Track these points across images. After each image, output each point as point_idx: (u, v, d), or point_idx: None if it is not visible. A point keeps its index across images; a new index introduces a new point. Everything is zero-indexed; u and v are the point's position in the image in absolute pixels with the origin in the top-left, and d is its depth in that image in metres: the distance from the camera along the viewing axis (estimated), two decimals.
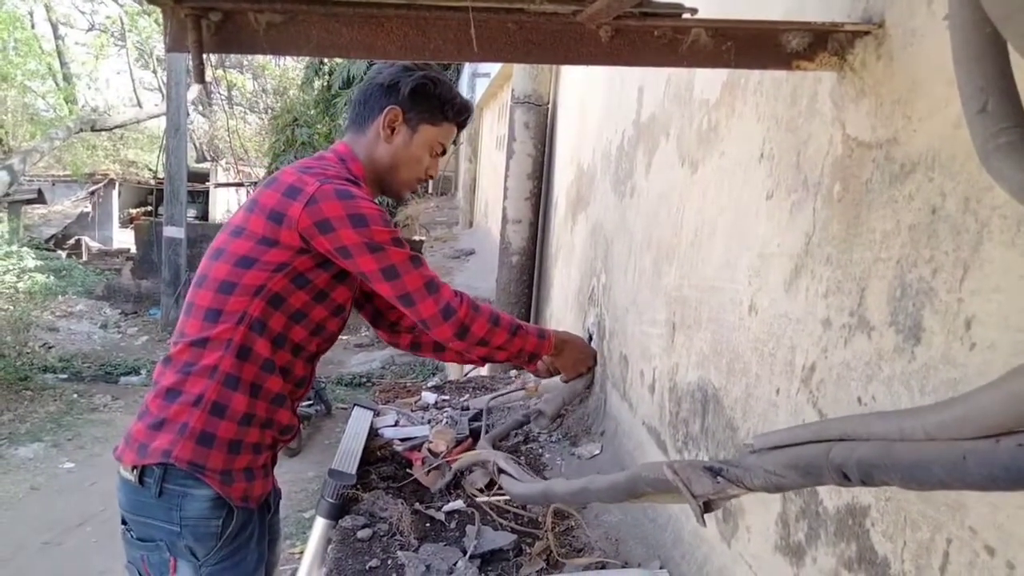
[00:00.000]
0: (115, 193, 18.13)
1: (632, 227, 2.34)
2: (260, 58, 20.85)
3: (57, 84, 20.46)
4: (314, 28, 1.01)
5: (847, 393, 1.03)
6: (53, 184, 17.02)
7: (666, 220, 1.97)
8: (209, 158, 20.95)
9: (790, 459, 0.73)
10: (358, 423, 2.61)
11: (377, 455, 2.38)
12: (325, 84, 14.42)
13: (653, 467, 0.94)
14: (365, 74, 11.95)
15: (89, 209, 17.31)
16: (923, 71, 0.91)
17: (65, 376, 8.61)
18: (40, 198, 15.61)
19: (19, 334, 8.49)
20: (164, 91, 13.54)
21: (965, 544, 0.78)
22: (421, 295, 1.46)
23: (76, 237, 15.68)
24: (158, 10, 0.99)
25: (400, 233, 1.47)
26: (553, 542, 1.84)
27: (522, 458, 2.36)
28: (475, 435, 2.52)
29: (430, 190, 14.89)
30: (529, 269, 4.33)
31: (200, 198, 19.31)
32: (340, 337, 1.65)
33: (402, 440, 2.58)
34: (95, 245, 15.36)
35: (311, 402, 6.83)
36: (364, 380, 8.53)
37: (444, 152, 1.67)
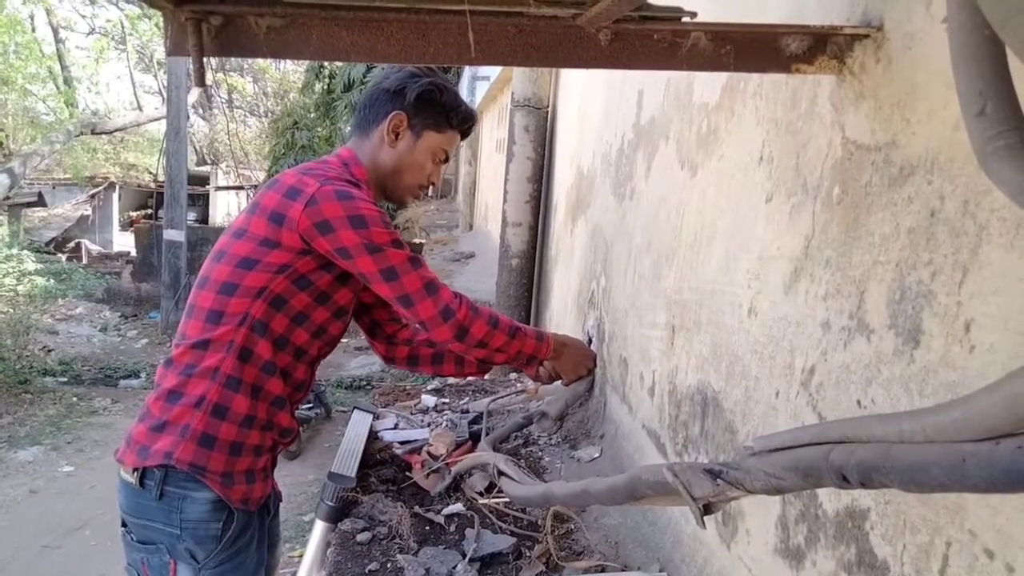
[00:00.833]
0: (115, 196, 18.14)
1: (632, 230, 2.34)
2: (260, 61, 20.87)
3: (58, 88, 20.48)
4: (314, 32, 1.01)
5: (846, 396, 1.03)
6: (53, 187, 17.03)
7: (666, 223, 1.97)
8: (209, 161, 20.95)
9: (790, 461, 0.73)
10: (358, 426, 2.60)
11: (377, 458, 2.38)
12: (326, 87, 14.42)
13: (653, 469, 0.94)
14: (365, 77, 11.96)
15: (89, 212, 17.31)
16: (922, 74, 0.91)
17: (65, 379, 8.60)
18: (40, 201, 15.62)
19: (19, 337, 8.48)
20: (164, 94, 13.56)
21: (964, 547, 0.78)
22: (420, 296, 1.46)
23: (76, 240, 15.68)
24: (159, 14, 1.00)
25: (400, 234, 1.47)
26: (553, 545, 1.84)
27: (522, 461, 2.36)
28: (475, 438, 2.52)
29: (430, 193, 14.89)
30: (529, 272, 4.33)
31: (200, 201, 19.31)
32: (340, 340, 1.64)
33: (402, 443, 2.58)
34: (95, 248, 15.36)
35: (311, 405, 6.82)
36: (364, 383, 8.51)
37: (447, 159, 1.67)
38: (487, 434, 2.53)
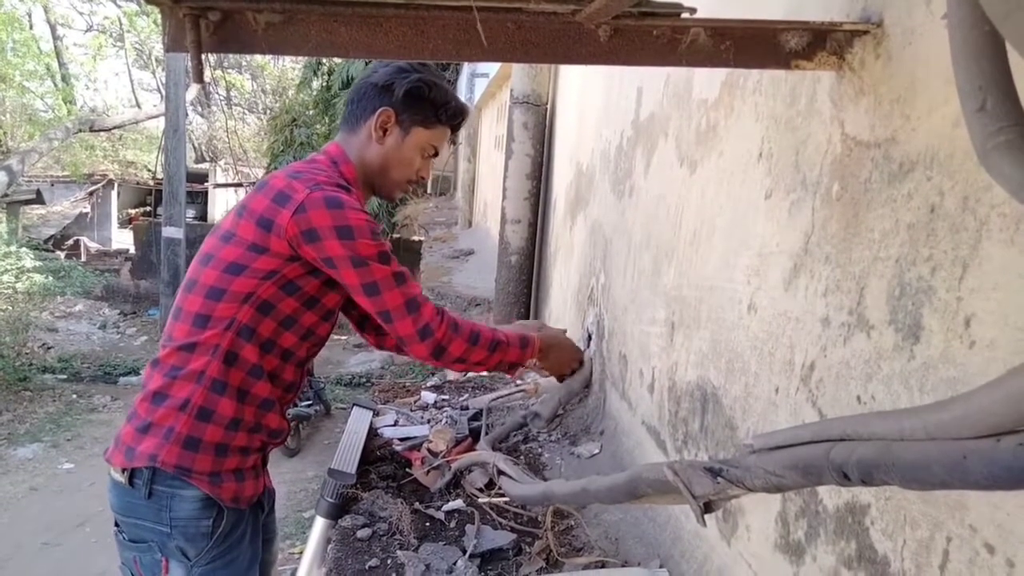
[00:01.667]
0: (114, 194, 18.12)
1: (631, 227, 2.34)
2: (259, 58, 20.83)
3: (56, 85, 20.44)
4: (313, 28, 1.01)
5: (846, 392, 1.03)
6: (52, 185, 17.00)
7: (665, 220, 1.97)
8: (208, 158, 20.92)
9: (790, 459, 0.73)
10: (357, 423, 2.60)
11: (377, 455, 2.38)
12: (324, 84, 14.39)
13: (653, 468, 0.94)
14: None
15: (88, 210, 17.29)
16: (922, 70, 0.91)
17: (64, 376, 8.61)
18: (39, 199, 15.59)
19: (18, 334, 8.48)
20: (163, 91, 13.53)
21: (965, 542, 0.78)
22: (400, 314, 1.45)
23: (75, 237, 15.67)
24: (157, 10, 0.99)
25: (387, 245, 1.45)
26: (553, 541, 1.84)
27: (522, 458, 2.36)
28: (475, 435, 2.52)
29: (429, 190, 14.89)
30: (528, 269, 4.33)
31: (199, 198, 19.28)
32: (339, 337, 1.65)
33: (401, 440, 2.58)
34: (94, 245, 15.35)
35: (310, 402, 6.82)
36: (363, 380, 8.52)
37: (436, 154, 1.66)
38: (487, 432, 2.54)
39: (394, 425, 2.78)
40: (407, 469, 2.28)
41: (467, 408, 2.92)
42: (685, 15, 1.03)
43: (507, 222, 4.30)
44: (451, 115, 1.61)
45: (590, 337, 2.75)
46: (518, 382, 3.16)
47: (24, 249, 9.77)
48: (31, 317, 8.89)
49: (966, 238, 0.81)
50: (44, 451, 6.40)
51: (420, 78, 1.56)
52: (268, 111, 21.16)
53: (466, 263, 8.25)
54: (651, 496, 0.99)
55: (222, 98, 20.79)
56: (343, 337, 9.15)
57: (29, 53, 18.47)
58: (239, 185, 18.86)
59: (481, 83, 10.38)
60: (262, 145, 18.80)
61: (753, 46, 1.06)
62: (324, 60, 13.52)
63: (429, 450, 2.34)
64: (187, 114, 11.68)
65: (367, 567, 1.75)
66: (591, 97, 3.28)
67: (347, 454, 2.26)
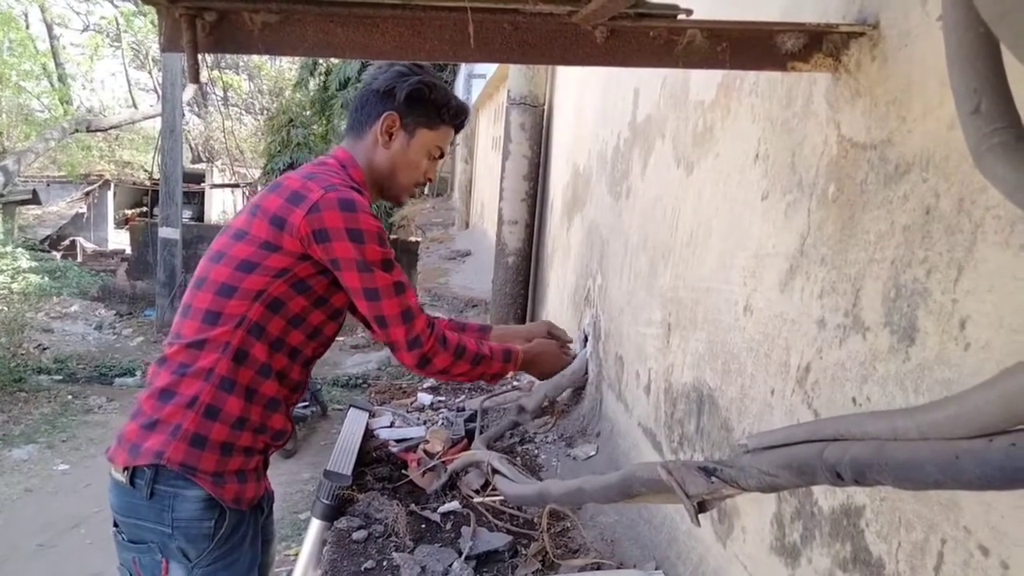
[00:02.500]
0: (110, 194, 18.09)
1: (628, 228, 2.34)
2: (256, 58, 20.82)
3: (52, 85, 20.39)
4: (309, 28, 1.01)
5: (842, 393, 1.03)
6: (48, 185, 16.96)
7: (662, 221, 1.97)
8: (205, 159, 20.89)
9: (784, 459, 0.73)
10: (354, 424, 2.60)
11: (373, 456, 2.38)
12: (321, 85, 14.39)
13: (648, 467, 0.94)
14: (360, 75, 11.93)
15: (84, 210, 17.27)
16: (917, 72, 0.91)
17: (60, 377, 8.58)
18: (35, 199, 15.56)
19: (13, 335, 8.45)
20: (159, 92, 13.51)
21: (959, 544, 0.78)
22: (395, 322, 1.49)
23: (71, 238, 15.64)
24: (153, 10, 0.99)
25: (392, 254, 1.48)
26: (549, 543, 1.84)
27: (518, 459, 2.36)
28: (471, 436, 2.52)
29: (426, 191, 14.88)
30: (525, 270, 4.32)
31: (195, 199, 19.26)
32: (336, 339, 1.66)
33: (398, 441, 2.58)
34: (90, 246, 15.32)
35: (307, 403, 6.82)
36: (360, 381, 8.51)
37: (442, 155, 1.69)
38: (482, 432, 2.53)
39: (390, 426, 2.77)
40: (403, 471, 2.27)
41: (463, 409, 2.92)
42: (681, 17, 1.03)
43: (504, 223, 4.30)
44: (453, 114, 1.64)
45: (586, 338, 2.75)
46: (515, 382, 3.16)
47: (20, 249, 9.74)
48: (27, 318, 8.86)
49: (961, 240, 0.81)
50: (39, 452, 6.38)
51: (420, 80, 1.58)
52: (265, 111, 21.15)
53: (463, 264, 8.24)
54: (645, 495, 0.99)
55: (219, 98, 20.77)
56: (340, 338, 9.11)
57: (25, 53, 18.45)
58: (235, 186, 18.85)
59: (478, 84, 10.38)
60: (259, 145, 18.80)
61: (749, 48, 1.06)
62: (321, 61, 13.51)
63: (425, 451, 2.34)
64: (184, 114, 11.68)
65: (363, 569, 1.74)
66: (588, 98, 3.28)
67: (343, 456, 2.25)
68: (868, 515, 0.95)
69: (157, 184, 11.78)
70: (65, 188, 17.49)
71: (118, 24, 20.57)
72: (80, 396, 7.98)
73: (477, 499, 2.09)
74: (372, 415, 2.82)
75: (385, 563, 1.76)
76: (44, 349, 9.42)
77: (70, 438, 6.75)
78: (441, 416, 2.87)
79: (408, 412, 2.94)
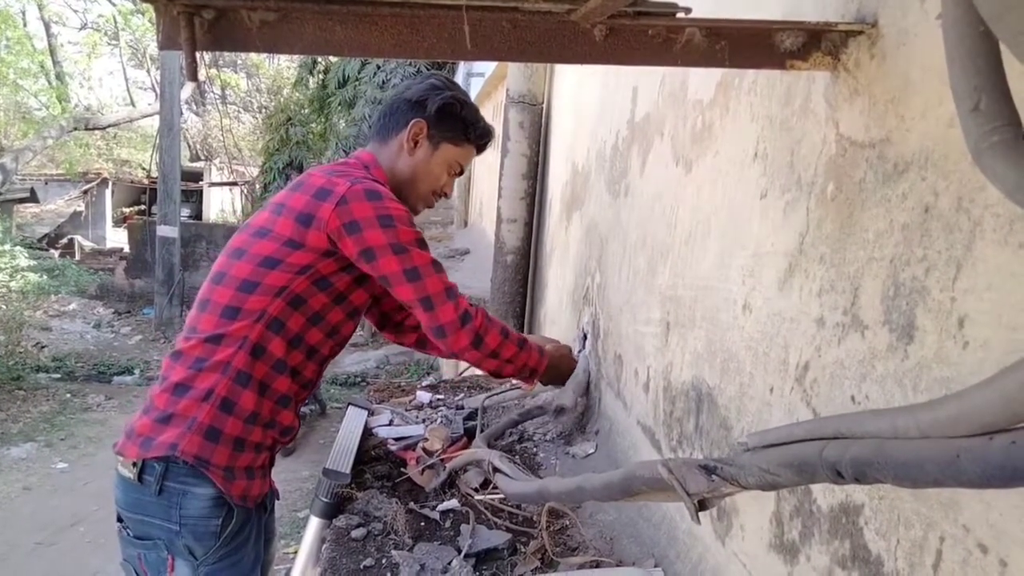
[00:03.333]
0: (108, 192, 18.08)
1: (626, 226, 2.34)
2: (254, 56, 20.78)
3: (50, 83, 20.36)
4: (307, 26, 1.00)
5: (841, 392, 1.03)
6: (46, 183, 16.95)
7: (660, 219, 1.97)
8: (203, 157, 20.86)
9: (784, 457, 0.73)
10: (353, 422, 2.60)
11: (372, 454, 2.38)
12: (320, 83, 14.37)
13: (648, 465, 0.94)
14: (360, 73, 11.91)
15: (82, 208, 17.26)
16: (916, 70, 0.91)
17: (58, 376, 8.58)
18: (33, 197, 15.54)
19: (12, 333, 8.45)
20: (157, 90, 13.49)
21: (958, 542, 0.78)
22: (441, 299, 1.49)
23: (69, 236, 15.64)
24: (151, 8, 0.99)
25: (423, 235, 1.49)
26: (548, 541, 1.84)
27: (517, 457, 2.36)
28: (470, 434, 2.51)
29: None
30: (524, 268, 4.32)
31: (194, 197, 19.25)
32: (350, 339, 1.68)
33: (397, 439, 2.58)
34: (88, 244, 15.32)
35: (306, 401, 6.83)
36: (359, 379, 8.51)
37: (461, 172, 1.71)
38: (482, 430, 2.53)
39: (389, 425, 2.77)
40: (402, 469, 2.27)
41: (462, 408, 2.92)
42: (680, 15, 1.03)
43: (503, 221, 4.30)
44: (479, 135, 1.68)
45: (585, 337, 2.75)
46: (513, 380, 3.16)
47: (18, 248, 9.73)
48: (25, 316, 8.86)
49: (960, 238, 0.81)
50: (38, 450, 6.38)
51: (453, 95, 1.61)
52: (263, 110, 21.11)
53: (462, 262, 8.24)
54: (646, 493, 0.99)
55: (217, 96, 20.73)
56: None
57: (23, 51, 18.42)
58: (234, 184, 18.84)
59: (477, 82, 10.36)
60: (257, 144, 18.78)
61: (748, 46, 1.06)
62: (319, 59, 13.49)
63: (424, 450, 2.34)
64: (182, 112, 11.66)
65: (362, 567, 1.74)
66: (587, 97, 3.28)
67: (342, 454, 2.25)
68: (867, 513, 0.96)
69: (155, 182, 11.77)
70: (63, 186, 17.49)
71: (116, 22, 20.54)
72: (79, 394, 7.98)
73: (476, 497, 2.09)
74: (371, 413, 2.82)
75: (384, 561, 1.76)
76: (42, 347, 9.41)
77: (68, 436, 6.75)
78: (440, 414, 2.87)
79: (407, 410, 2.94)
